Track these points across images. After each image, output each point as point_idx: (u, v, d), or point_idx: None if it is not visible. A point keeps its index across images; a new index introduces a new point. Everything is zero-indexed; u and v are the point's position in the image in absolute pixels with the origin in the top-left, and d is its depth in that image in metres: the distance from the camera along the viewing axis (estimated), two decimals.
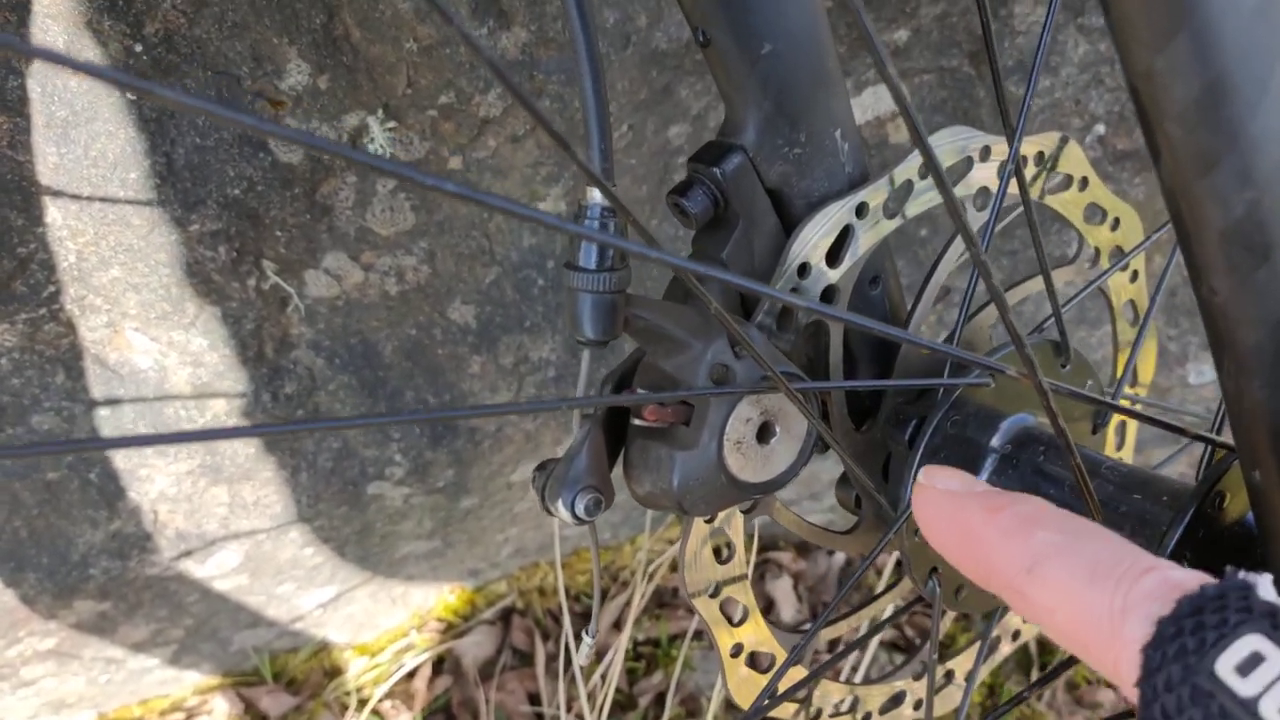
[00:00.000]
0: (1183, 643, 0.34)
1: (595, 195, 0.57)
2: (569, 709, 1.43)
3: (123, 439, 0.34)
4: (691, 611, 1.50)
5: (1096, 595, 0.38)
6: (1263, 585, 0.35)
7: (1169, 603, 0.36)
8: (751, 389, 0.61)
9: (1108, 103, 1.12)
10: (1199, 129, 0.40)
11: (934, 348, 0.55)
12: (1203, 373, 1.39)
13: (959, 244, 0.74)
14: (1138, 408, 0.94)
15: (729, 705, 1.35)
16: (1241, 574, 0.36)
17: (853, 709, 0.84)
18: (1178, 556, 0.57)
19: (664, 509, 0.67)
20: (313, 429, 0.34)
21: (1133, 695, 0.36)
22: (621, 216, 0.56)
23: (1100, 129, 1.14)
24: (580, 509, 0.61)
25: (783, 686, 0.76)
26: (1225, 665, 0.33)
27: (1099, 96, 1.11)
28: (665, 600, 1.59)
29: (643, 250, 0.41)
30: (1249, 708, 0.32)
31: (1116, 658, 0.37)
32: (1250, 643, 0.33)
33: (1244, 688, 0.32)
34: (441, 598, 1.59)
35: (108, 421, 0.98)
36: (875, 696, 0.85)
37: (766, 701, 0.72)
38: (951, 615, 1.39)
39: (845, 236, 0.67)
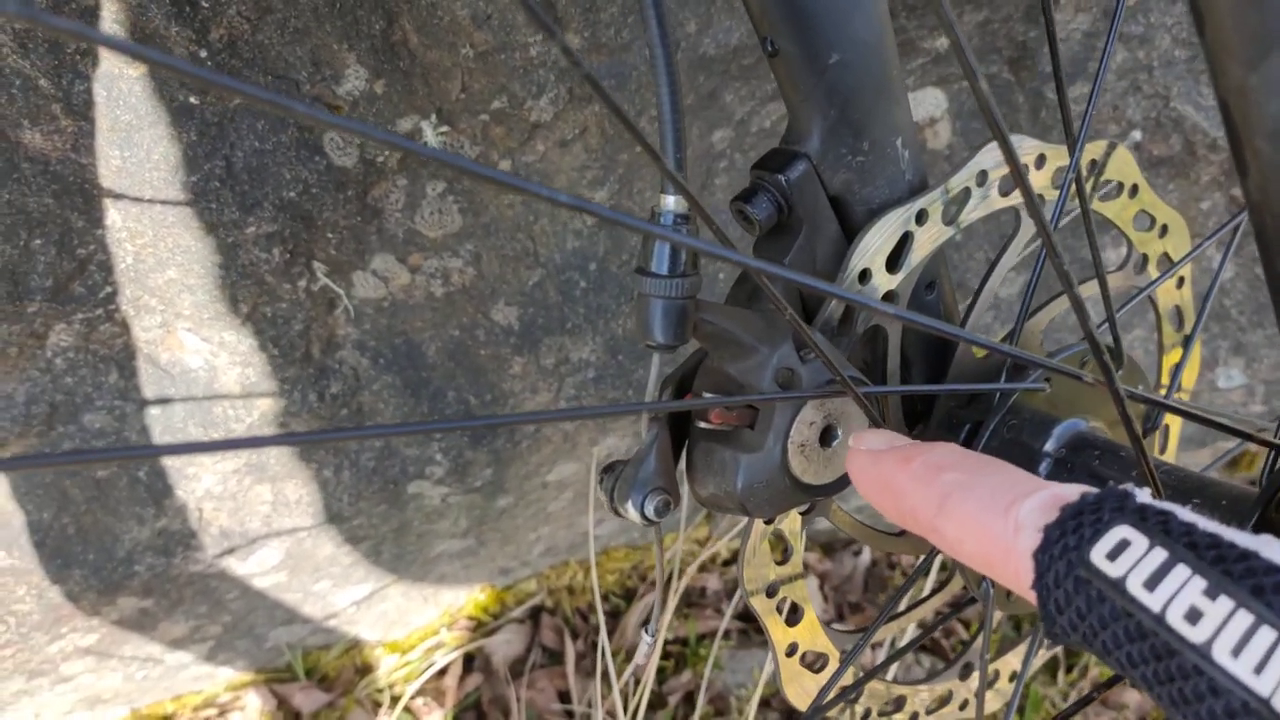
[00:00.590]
0: (1065, 542, 0.38)
1: (669, 201, 0.58)
2: (600, 706, 1.44)
3: (160, 447, 0.35)
4: (729, 615, 1.51)
5: (994, 519, 0.42)
6: (1141, 494, 0.39)
7: (1054, 511, 0.40)
8: (818, 393, 0.63)
9: (1144, 109, 1.13)
10: None
11: (1001, 350, 0.56)
12: (1231, 377, 1.40)
13: (1011, 251, 0.75)
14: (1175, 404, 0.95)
15: (764, 704, 1.37)
16: (1122, 485, 0.40)
17: (900, 707, 0.85)
18: None
19: (727, 511, 0.68)
20: (371, 435, 0.35)
21: (1033, 598, 0.40)
22: (699, 221, 0.57)
23: (1137, 135, 1.15)
24: (650, 510, 0.62)
25: (836, 685, 0.77)
26: (1098, 554, 0.37)
27: (1136, 103, 1.12)
28: (693, 600, 1.60)
29: (724, 253, 0.42)
30: (1118, 586, 0.36)
31: (1016, 569, 0.40)
32: (1119, 533, 0.37)
33: (1113, 570, 0.36)
34: (472, 596, 1.60)
35: (158, 421, 1.00)
36: (922, 696, 0.86)
37: (826, 700, 0.73)
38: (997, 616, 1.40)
39: (904, 243, 0.68)
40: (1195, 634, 0.34)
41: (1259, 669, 0.32)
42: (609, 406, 0.43)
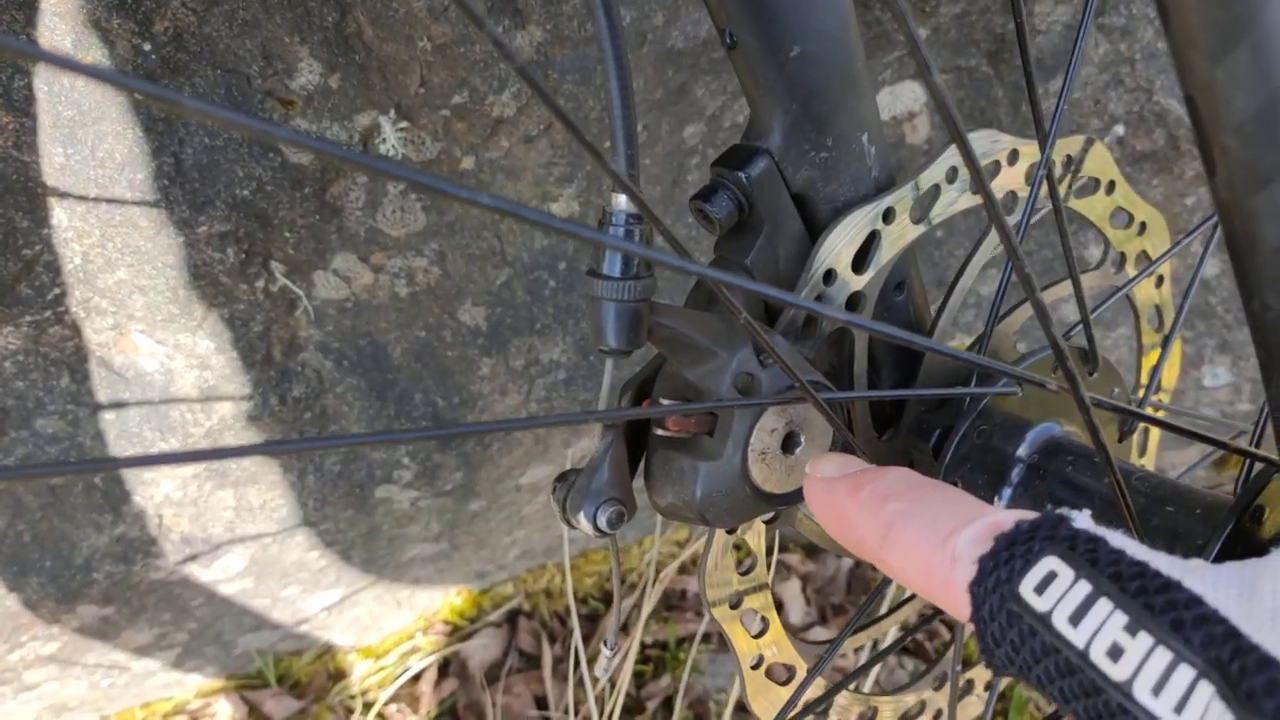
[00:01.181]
0: (998, 574, 0.38)
1: (620, 202, 0.56)
2: (576, 712, 1.42)
3: (123, 459, 0.32)
4: (708, 618, 1.48)
5: (933, 550, 0.41)
6: (1080, 518, 0.38)
7: (989, 542, 0.39)
8: (778, 399, 0.60)
9: (1127, 103, 1.10)
10: (1257, 143, 0.39)
11: (966, 359, 0.54)
12: (1218, 375, 1.38)
13: (983, 250, 0.73)
14: (1161, 414, 0.92)
15: (740, 708, 1.34)
16: (1060, 510, 0.39)
17: (873, 718, 0.82)
18: None
19: (686, 521, 0.65)
20: (325, 447, 0.33)
21: (972, 629, 0.39)
22: (650, 224, 0.55)
23: (1119, 130, 1.12)
24: (603, 521, 0.60)
25: (804, 698, 0.74)
26: (1028, 587, 0.36)
27: (1118, 97, 1.10)
28: (673, 603, 1.57)
29: (672, 261, 0.40)
30: (1045, 621, 0.35)
31: (955, 600, 0.40)
32: (1047, 564, 0.36)
33: (1041, 604, 0.36)
34: (447, 600, 1.57)
35: (113, 425, 0.97)
36: (894, 707, 0.83)
37: (790, 716, 0.71)
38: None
39: (871, 242, 0.66)
40: (1117, 671, 0.33)
41: (1179, 708, 0.32)
42: (556, 417, 0.40)
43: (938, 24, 1.03)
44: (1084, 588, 0.35)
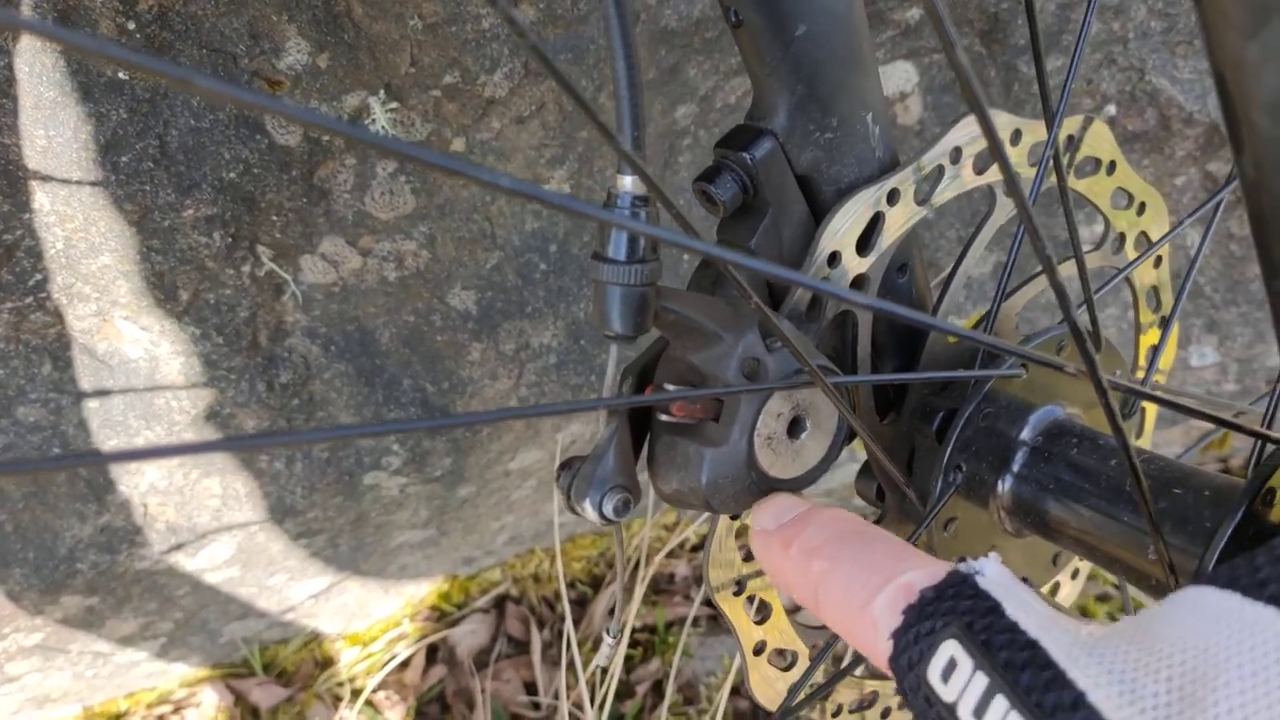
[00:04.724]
0: (909, 655, 0.37)
1: (626, 183, 0.54)
2: (566, 698, 1.41)
3: (109, 454, 0.31)
4: (699, 601, 1.48)
5: (855, 617, 0.41)
6: (985, 572, 0.38)
7: (898, 616, 0.39)
8: (784, 384, 0.59)
9: (1119, 83, 1.10)
10: None
11: (974, 338, 0.53)
12: (1204, 355, 1.38)
13: (985, 231, 0.72)
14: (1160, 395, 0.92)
15: (734, 692, 1.34)
16: (964, 565, 0.39)
17: (872, 703, 0.82)
18: (1227, 555, 0.55)
19: (691, 507, 0.64)
20: (311, 441, 0.32)
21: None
22: (658, 204, 0.53)
23: (1111, 109, 1.12)
24: (609, 509, 0.59)
25: (806, 683, 0.74)
26: (934, 673, 0.36)
27: (1110, 76, 1.10)
28: (661, 587, 1.57)
29: (685, 241, 0.39)
30: (952, 712, 0.35)
31: (884, 668, 0.39)
32: (948, 649, 0.36)
33: (947, 693, 0.36)
34: (435, 586, 1.56)
35: (96, 414, 0.95)
36: (893, 689, 0.83)
37: (797, 700, 0.70)
38: None
39: (875, 224, 0.65)
40: None
41: None
42: (561, 405, 0.39)
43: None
44: (981, 681, 0.35)
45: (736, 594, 0.70)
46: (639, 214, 0.55)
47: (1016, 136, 0.69)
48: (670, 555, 1.58)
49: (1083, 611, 1.58)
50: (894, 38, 1.04)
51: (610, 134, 0.38)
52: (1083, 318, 0.74)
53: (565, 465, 0.61)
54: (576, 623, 1.51)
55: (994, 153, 0.39)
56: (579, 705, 1.37)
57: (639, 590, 1.18)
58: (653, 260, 0.55)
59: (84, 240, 0.84)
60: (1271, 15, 0.36)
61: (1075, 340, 0.47)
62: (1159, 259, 0.83)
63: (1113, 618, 1.56)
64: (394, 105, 0.86)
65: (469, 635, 1.52)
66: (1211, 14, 0.38)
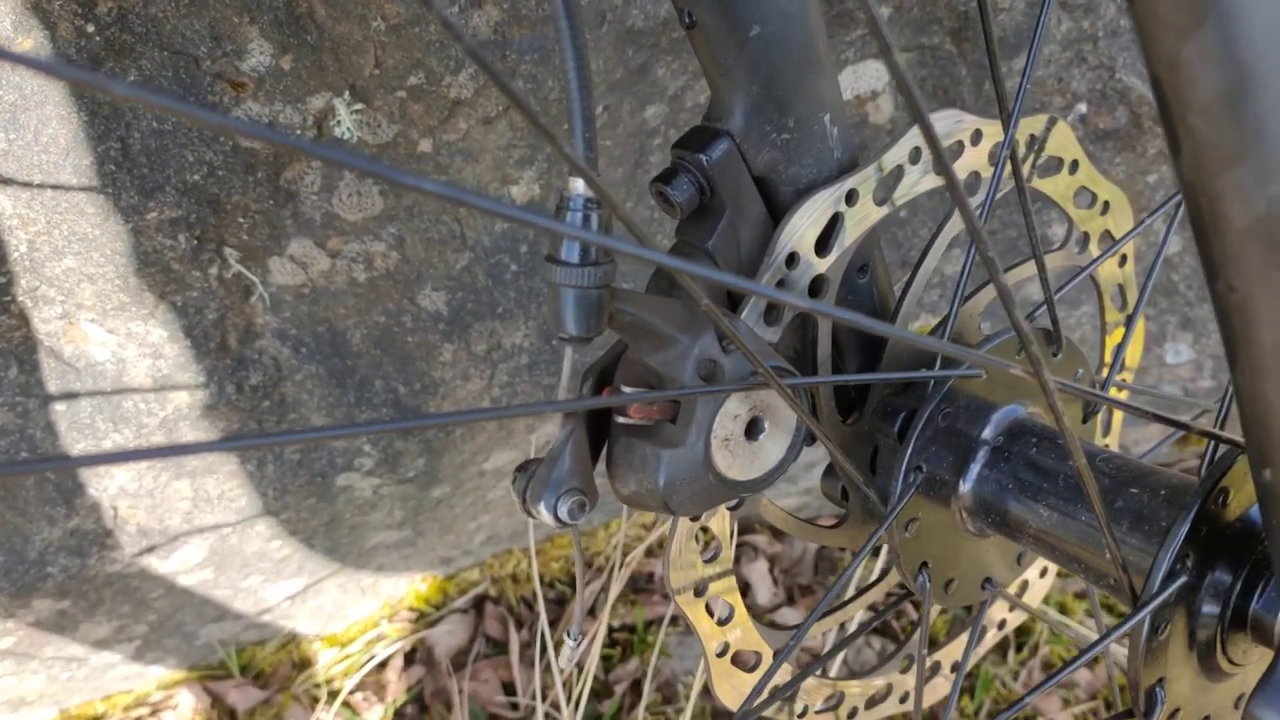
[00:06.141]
0: None
1: (578, 186, 0.54)
2: (544, 698, 1.41)
3: (80, 458, 0.31)
4: (673, 606, 1.48)
5: None
6: None
7: None
8: (741, 386, 0.59)
9: (1090, 81, 1.10)
10: (1224, 122, 0.38)
11: (927, 344, 0.53)
12: (1179, 352, 1.39)
13: (947, 231, 0.72)
14: (1124, 395, 0.93)
15: (706, 690, 1.34)
16: None
17: (839, 703, 0.82)
18: (1181, 554, 0.55)
19: (650, 509, 0.64)
20: (277, 443, 0.32)
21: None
22: (608, 209, 0.53)
23: (1082, 108, 1.12)
24: (564, 512, 0.59)
25: (770, 685, 0.74)
26: None
27: (1081, 75, 1.10)
28: (641, 586, 1.57)
29: (629, 249, 0.39)
30: None
31: None
32: None
33: None
34: (413, 587, 1.56)
35: (64, 417, 0.95)
36: (860, 690, 0.83)
37: (758, 702, 0.70)
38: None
39: (834, 225, 0.65)
40: None
41: None
42: (517, 407, 0.39)
43: (900, 2, 1.02)
44: None
45: (698, 596, 0.70)
46: (590, 217, 0.54)
47: (977, 137, 0.70)
48: (649, 554, 1.58)
49: (1062, 609, 1.59)
50: (864, 36, 1.04)
51: (552, 136, 0.38)
52: (1046, 318, 0.75)
53: (521, 468, 0.61)
54: (554, 623, 1.51)
55: (936, 159, 0.39)
56: (556, 706, 1.37)
57: (615, 590, 1.18)
58: (606, 263, 0.55)
59: (47, 243, 0.84)
60: (1204, 17, 0.36)
61: (1020, 340, 0.47)
62: (1124, 257, 0.84)
63: (1089, 614, 1.57)
64: (359, 107, 0.86)
65: (447, 636, 1.52)
66: (1145, 15, 0.38)
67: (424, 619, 1.55)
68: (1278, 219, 0.40)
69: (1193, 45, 0.37)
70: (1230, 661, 0.60)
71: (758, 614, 1.57)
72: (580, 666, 1.27)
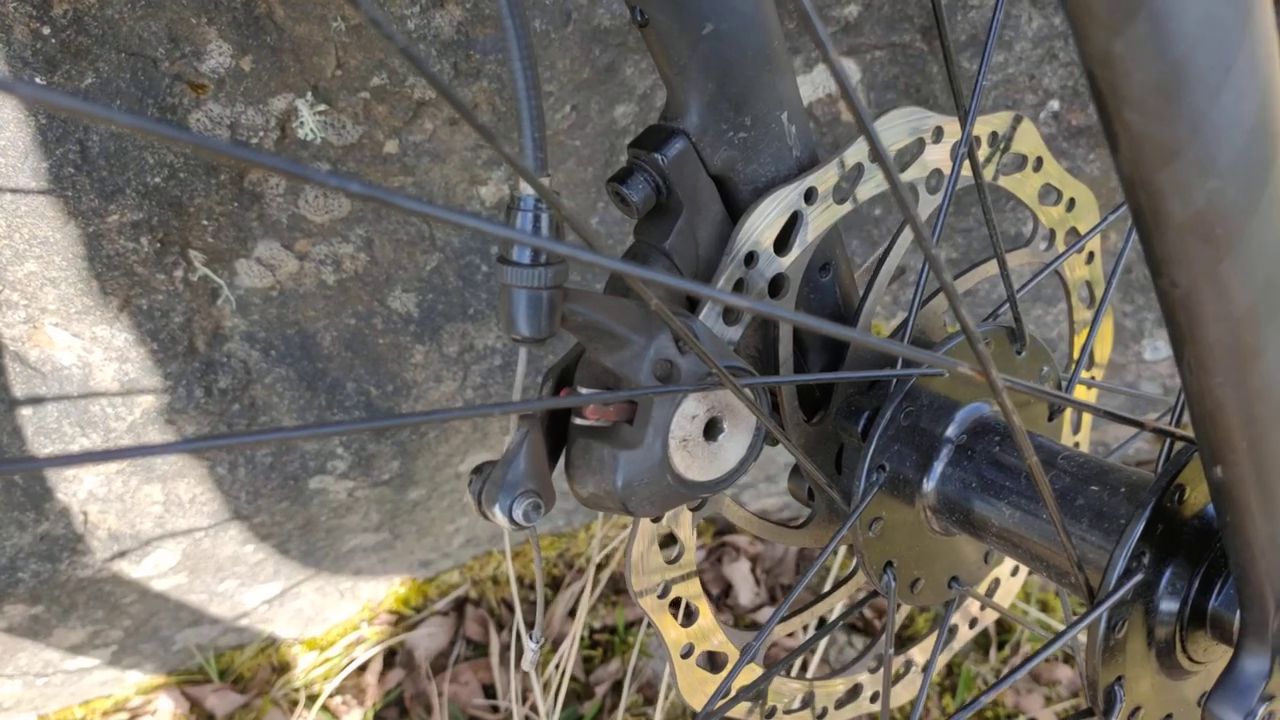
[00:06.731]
0: None
1: (527, 187, 0.54)
2: (524, 700, 1.40)
3: (49, 459, 0.30)
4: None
5: None
6: None
7: None
8: (697, 386, 0.59)
9: (1062, 78, 1.10)
10: (1159, 117, 0.38)
11: (884, 346, 0.53)
12: (1158, 349, 1.38)
13: (909, 231, 0.72)
14: (1092, 394, 0.92)
15: None
16: None
17: (808, 704, 0.82)
18: (1138, 552, 0.55)
19: (609, 510, 0.64)
20: (244, 443, 0.32)
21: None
22: (555, 211, 0.53)
23: (1054, 105, 1.12)
24: (518, 514, 0.58)
25: (736, 685, 0.73)
26: None
27: (1053, 72, 1.09)
28: (621, 587, 1.56)
29: (575, 253, 0.38)
30: None
31: None
32: None
33: None
34: (392, 589, 1.55)
35: (30, 421, 0.94)
36: (831, 690, 0.83)
37: (720, 703, 0.70)
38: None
39: (794, 223, 0.64)
40: None
41: None
42: (474, 408, 0.39)
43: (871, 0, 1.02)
44: None
45: (661, 597, 0.70)
46: (541, 217, 0.54)
47: (938, 134, 0.69)
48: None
49: (1043, 606, 1.59)
50: (834, 34, 1.03)
51: (491, 136, 0.38)
52: (1010, 316, 0.74)
53: (478, 470, 0.61)
54: (533, 625, 1.50)
55: (880, 161, 0.38)
56: (535, 708, 1.37)
57: (591, 591, 1.18)
58: (557, 263, 0.55)
59: (8, 247, 0.83)
60: (1135, 11, 0.36)
61: (968, 339, 0.47)
62: (1090, 255, 0.83)
63: (1075, 612, 1.57)
64: (323, 108, 0.85)
65: (427, 638, 1.51)
66: (1077, 10, 0.37)
67: (404, 622, 1.55)
68: (1217, 213, 0.40)
69: (1125, 40, 0.36)
70: (1191, 659, 0.60)
71: (739, 614, 1.57)
72: (559, 668, 1.27)
